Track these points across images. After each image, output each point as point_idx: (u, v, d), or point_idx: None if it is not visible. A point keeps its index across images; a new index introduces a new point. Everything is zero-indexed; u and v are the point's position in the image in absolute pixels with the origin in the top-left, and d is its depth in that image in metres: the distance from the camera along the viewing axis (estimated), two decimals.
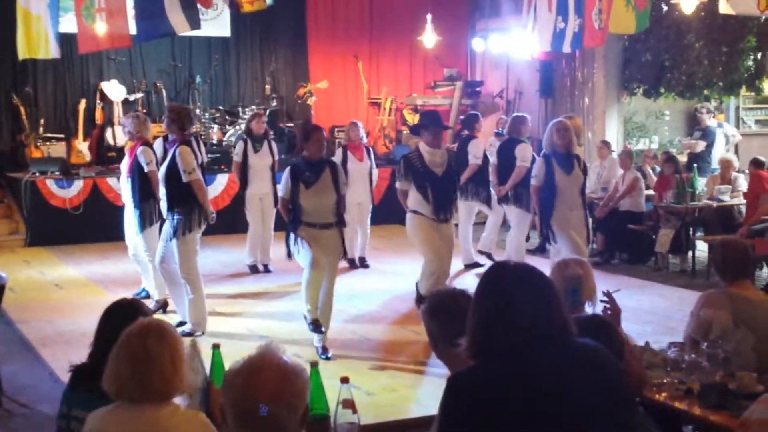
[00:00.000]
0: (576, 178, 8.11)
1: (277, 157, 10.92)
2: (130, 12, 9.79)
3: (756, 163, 10.95)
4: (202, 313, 8.03)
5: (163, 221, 8.17)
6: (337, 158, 10.69)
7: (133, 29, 9.84)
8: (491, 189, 10.66)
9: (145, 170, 8.44)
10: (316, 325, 7.22)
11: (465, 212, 10.95)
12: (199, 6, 10.06)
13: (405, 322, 8.49)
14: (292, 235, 7.18)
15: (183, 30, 9.86)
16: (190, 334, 7.70)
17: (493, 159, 10.72)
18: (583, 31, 9.94)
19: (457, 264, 10.16)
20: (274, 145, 10.98)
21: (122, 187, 9.19)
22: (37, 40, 10.04)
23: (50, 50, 10.06)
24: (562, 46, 10.20)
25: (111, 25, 9.59)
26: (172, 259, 7.93)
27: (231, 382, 2.52)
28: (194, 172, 7.83)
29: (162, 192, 7.94)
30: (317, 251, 7.12)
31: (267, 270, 10.79)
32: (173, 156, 7.77)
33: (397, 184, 7.90)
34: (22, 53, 10.28)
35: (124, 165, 8.92)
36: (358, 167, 10.81)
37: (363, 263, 11.16)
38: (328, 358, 7.14)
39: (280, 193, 7.37)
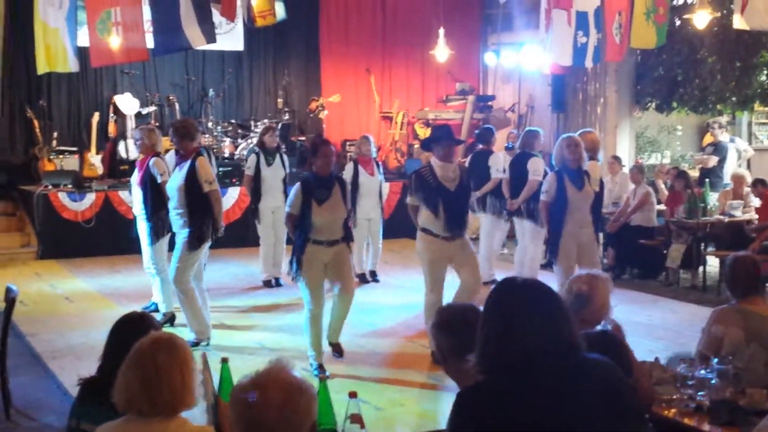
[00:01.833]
0: (587, 194, 8.07)
1: (288, 171, 10.93)
2: (146, 26, 9.85)
3: (762, 183, 10.99)
4: (203, 321, 8.03)
5: (172, 234, 8.17)
6: (348, 172, 10.69)
7: (149, 43, 9.90)
8: (504, 203, 10.65)
9: (158, 181, 8.47)
10: (323, 371, 7.05)
11: (488, 226, 10.89)
12: (218, 20, 10.13)
13: (414, 337, 8.48)
14: (295, 262, 7.09)
15: (199, 44, 9.91)
16: (195, 344, 7.70)
17: (506, 173, 10.71)
18: (603, 45, 9.95)
19: None
20: (285, 158, 10.99)
21: (134, 199, 9.22)
22: (55, 53, 10.07)
23: (69, 64, 10.10)
24: (584, 60, 10.21)
25: (127, 38, 9.63)
26: (171, 269, 7.96)
27: (237, 397, 2.54)
28: (214, 182, 7.90)
29: (173, 205, 7.95)
30: (318, 288, 7.10)
31: (278, 283, 10.78)
32: (192, 167, 7.78)
33: (408, 200, 7.76)
34: (42, 67, 10.30)
35: (135, 178, 8.95)
36: (369, 181, 10.78)
37: (374, 277, 11.14)
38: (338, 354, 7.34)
39: (287, 209, 7.22)
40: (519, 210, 10.25)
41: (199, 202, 7.81)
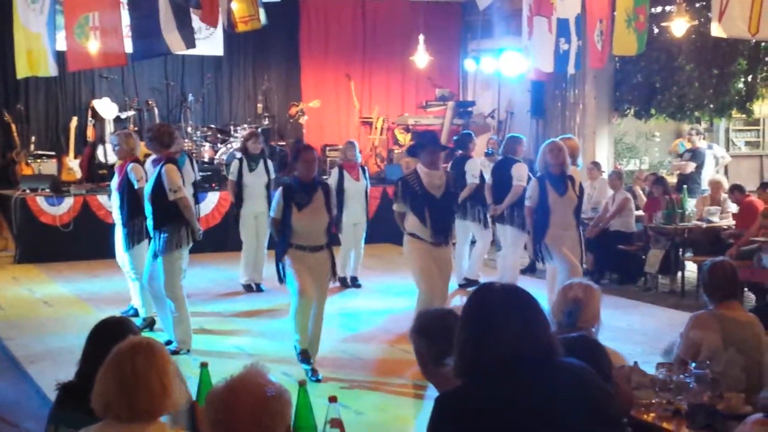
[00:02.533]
0: (569, 199, 8.12)
1: (273, 176, 10.89)
2: (125, 30, 9.81)
3: (739, 189, 11.08)
4: (187, 331, 8.02)
5: (150, 239, 8.14)
6: (333, 177, 10.70)
7: (128, 48, 9.86)
8: (485, 209, 10.65)
9: (135, 187, 8.42)
10: (305, 356, 7.07)
11: (462, 232, 10.94)
12: (198, 25, 10.11)
13: (396, 342, 8.47)
14: (279, 265, 7.09)
15: (179, 49, 9.88)
16: (176, 353, 7.65)
17: (487, 179, 10.73)
18: (584, 52, 10.01)
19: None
20: (270, 163, 10.94)
21: (113, 204, 9.19)
22: (37, 58, 10.00)
23: (49, 68, 10.05)
24: (566, 67, 10.28)
25: (105, 43, 9.58)
26: (159, 278, 7.92)
27: (211, 401, 2.56)
28: (180, 191, 7.80)
29: (148, 210, 7.91)
30: (305, 277, 7.01)
31: (259, 289, 10.74)
32: (159, 174, 7.76)
33: (395, 207, 7.74)
34: (23, 71, 10.20)
35: (114, 183, 8.92)
36: (354, 186, 10.76)
37: (354, 283, 11.12)
38: (318, 380, 7.07)
39: (271, 213, 7.25)
40: (502, 216, 10.28)
41: (166, 210, 7.76)
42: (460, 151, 11.05)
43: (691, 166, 13.02)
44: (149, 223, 7.92)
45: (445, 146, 9.34)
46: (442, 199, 7.48)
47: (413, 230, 7.51)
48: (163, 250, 7.75)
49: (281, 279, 7.17)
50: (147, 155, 9.99)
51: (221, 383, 2.58)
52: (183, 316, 7.96)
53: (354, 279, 11.14)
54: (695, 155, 13.19)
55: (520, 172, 10.16)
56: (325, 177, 11.62)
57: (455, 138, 12.19)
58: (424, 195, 7.40)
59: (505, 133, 15.97)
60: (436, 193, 7.43)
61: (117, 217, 8.85)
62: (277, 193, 7.13)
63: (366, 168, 11.61)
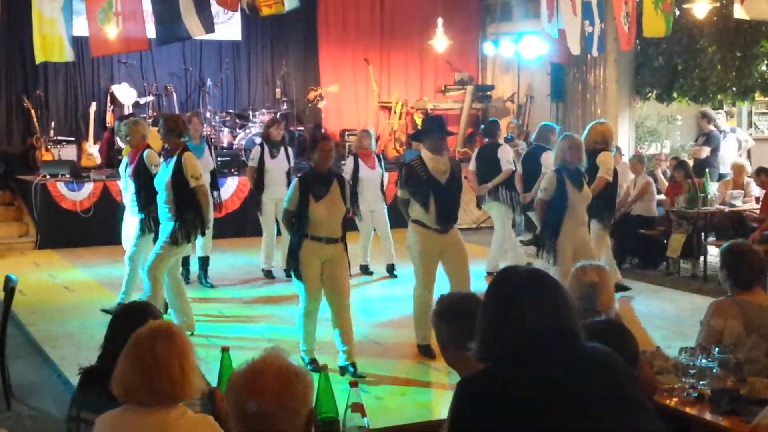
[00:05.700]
0: (585, 194, 8.08)
1: (293, 163, 10.82)
2: (145, 15, 9.84)
3: (765, 172, 10.97)
4: (188, 313, 7.97)
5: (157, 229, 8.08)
6: (348, 166, 10.63)
7: (150, 33, 9.87)
8: (517, 195, 10.55)
9: (152, 173, 8.37)
10: (316, 365, 6.70)
11: (501, 216, 10.81)
12: (217, 10, 10.12)
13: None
14: (292, 259, 6.93)
15: (198, 34, 9.89)
16: None
17: (518, 166, 10.64)
18: (606, 34, 9.99)
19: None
20: (290, 150, 10.87)
21: (123, 191, 9.24)
22: (51, 43, 10.03)
23: (65, 54, 10.06)
24: (591, 49, 10.25)
25: (127, 28, 9.63)
26: (149, 257, 7.89)
27: (232, 384, 2.56)
28: (201, 178, 7.81)
29: (161, 199, 7.87)
30: (315, 279, 6.88)
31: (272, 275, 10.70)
32: (179, 162, 7.73)
33: (399, 193, 7.64)
34: (39, 57, 10.27)
35: (123, 169, 8.96)
36: (370, 175, 10.65)
37: (391, 271, 10.84)
38: (361, 376, 6.77)
39: (284, 205, 7.05)
40: (532, 203, 10.21)
41: (186, 198, 7.73)
42: (488, 139, 10.96)
43: (705, 151, 12.92)
44: (161, 212, 7.88)
45: (451, 132, 9.22)
46: (447, 185, 7.38)
47: (418, 217, 7.41)
48: (170, 239, 7.70)
49: (289, 272, 7.01)
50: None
51: (243, 366, 2.57)
52: (160, 299, 7.77)
53: (391, 266, 10.92)
54: (709, 139, 13.08)
55: (550, 161, 10.06)
56: (342, 163, 11.58)
57: (482, 128, 12.09)
58: (429, 180, 7.29)
59: (525, 118, 15.95)
60: (441, 179, 7.34)
61: (129, 204, 8.86)
62: (293, 184, 7.01)
63: (381, 156, 11.53)
